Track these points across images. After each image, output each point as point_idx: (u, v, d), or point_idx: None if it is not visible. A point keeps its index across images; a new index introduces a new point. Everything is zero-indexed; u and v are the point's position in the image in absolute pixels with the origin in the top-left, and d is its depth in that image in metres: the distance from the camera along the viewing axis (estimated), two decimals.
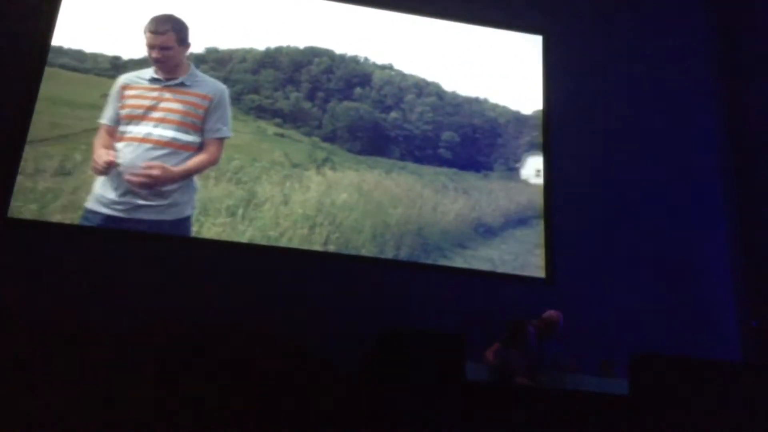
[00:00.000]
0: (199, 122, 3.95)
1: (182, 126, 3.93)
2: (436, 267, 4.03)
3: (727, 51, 4.94)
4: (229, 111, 4.06)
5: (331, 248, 3.94)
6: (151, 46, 3.96)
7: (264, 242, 3.85)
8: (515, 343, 3.35)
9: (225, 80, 4.23)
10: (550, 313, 3.56)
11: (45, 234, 3.74)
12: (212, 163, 3.97)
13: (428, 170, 4.32)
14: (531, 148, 4.48)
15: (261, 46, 4.48)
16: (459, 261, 4.02)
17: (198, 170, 3.94)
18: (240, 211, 3.90)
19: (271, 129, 4.26)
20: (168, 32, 3.97)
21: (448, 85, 4.57)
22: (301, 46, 4.56)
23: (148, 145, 3.86)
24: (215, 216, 3.88)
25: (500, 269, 4.01)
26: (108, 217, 3.77)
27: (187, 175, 3.90)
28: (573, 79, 4.65)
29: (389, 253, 3.98)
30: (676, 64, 4.86)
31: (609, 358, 3.57)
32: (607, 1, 4.97)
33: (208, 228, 3.84)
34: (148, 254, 3.74)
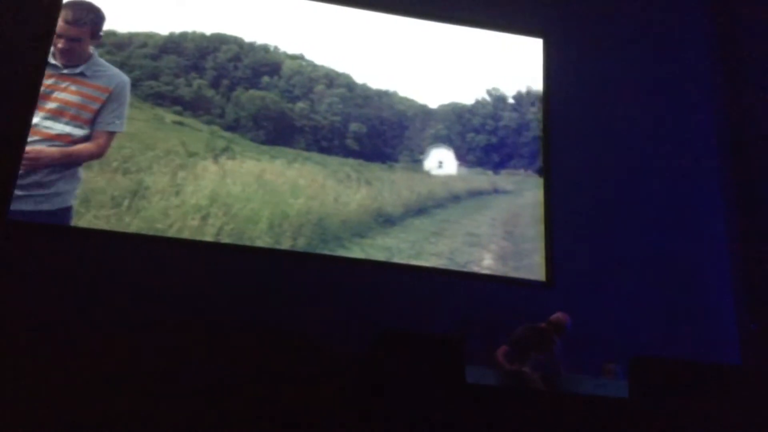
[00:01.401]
0: (92, 115, 3.81)
1: (75, 120, 3.77)
2: (436, 270, 4.04)
3: (727, 51, 4.99)
4: (127, 105, 3.93)
5: (224, 239, 3.89)
6: (59, 35, 3.77)
7: (152, 233, 3.76)
8: (536, 350, 3.33)
9: (122, 65, 4.08)
10: (558, 316, 3.52)
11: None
12: (96, 155, 3.81)
13: (333, 161, 4.32)
14: (435, 141, 4.55)
15: (164, 30, 4.34)
16: (356, 250, 4.06)
17: (79, 158, 3.76)
18: (126, 202, 3.79)
19: (170, 117, 4.15)
20: (85, 25, 3.80)
21: (359, 77, 4.57)
22: (208, 32, 4.45)
23: (35, 138, 3.69)
24: (98, 207, 3.75)
25: (396, 257, 4.08)
26: None
27: (65, 159, 3.70)
28: (572, 81, 4.66)
29: (286, 244, 3.97)
30: (676, 65, 4.89)
31: (609, 360, 3.59)
32: (607, 3, 4.97)
33: (89, 220, 3.71)
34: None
